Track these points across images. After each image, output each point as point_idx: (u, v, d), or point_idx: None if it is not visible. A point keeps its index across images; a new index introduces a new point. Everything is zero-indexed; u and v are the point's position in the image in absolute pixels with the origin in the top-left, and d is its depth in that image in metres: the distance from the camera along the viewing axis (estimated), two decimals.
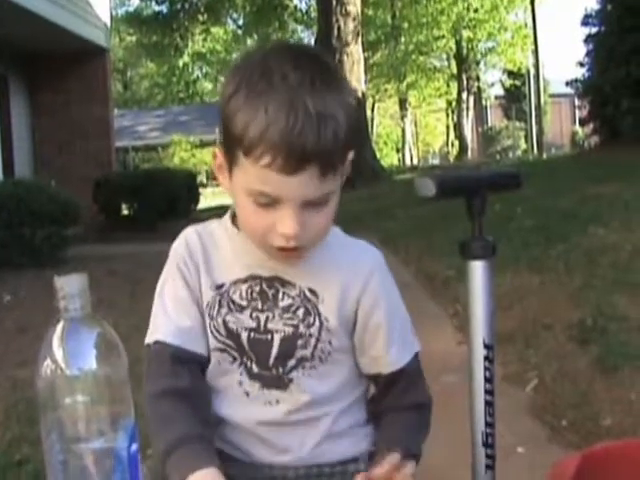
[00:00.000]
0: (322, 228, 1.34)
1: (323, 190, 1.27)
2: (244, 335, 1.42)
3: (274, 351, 1.41)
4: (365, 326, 1.44)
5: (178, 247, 1.48)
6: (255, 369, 1.42)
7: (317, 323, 1.40)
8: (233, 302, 1.42)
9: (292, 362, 1.41)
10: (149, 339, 1.43)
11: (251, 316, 1.41)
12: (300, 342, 1.40)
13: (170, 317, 1.43)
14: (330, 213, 1.33)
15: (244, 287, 1.42)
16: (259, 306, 1.41)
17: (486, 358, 1.58)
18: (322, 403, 1.44)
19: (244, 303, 1.42)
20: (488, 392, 1.59)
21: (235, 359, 1.43)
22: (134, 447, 1.03)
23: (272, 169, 1.22)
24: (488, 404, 1.59)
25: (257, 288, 1.42)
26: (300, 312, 1.40)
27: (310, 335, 1.40)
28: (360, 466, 1.47)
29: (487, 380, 1.59)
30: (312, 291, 1.41)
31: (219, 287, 1.43)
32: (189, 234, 1.49)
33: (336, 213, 1.36)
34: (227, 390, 1.45)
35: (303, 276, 1.41)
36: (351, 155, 1.34)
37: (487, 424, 1.59)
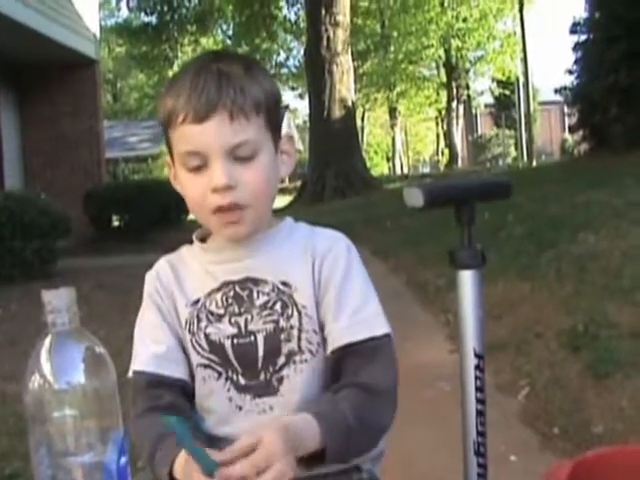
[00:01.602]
0: (255, 185, 1.38)
1: (239, 136, 1.35)
2: (227, 344, 1.42)
3: (260, 352, 1.41)
4: (323, 302, 1.42)
5: (149, 277, 1.52)
6: (242, 381, 1.42)
7: (295, 313, 1.41)
8: (211, 313, 1.43)
9: (282, 359, 1.41)
10: (130, 371, 1.46)
11: (230, 322, 1.42)
12: (283, 336, 1.40)
13: (145, 345, 1.46)
14: (260, 170, 1.38)
15: (218, 296, 1.44)
16: (236, 310, 1.42)
17: (477, 367, 1.59)
18: None
19: (221, 311, 1.43)
20: (479, 401, 1.59)
21: (220, 374, 1.43)
22: (123, 460, 1.03)
23: (187, 123, 1.35)
24: (479, 413, 1.59)
25: (231, 293, 1.43)
26: (278, 306, 1.41)
27: (292, 327, 1.41)
28: (363, 475, 1.47)
29: (478, 389, 1.59)
30: (284, 283, 1.42)
31: (195, 303, 1.45)
32: (159, 263, 1.53)
33: (273, 181, 1.43)
34: (219, 408, 1.44)
35: (273, 271, 1.43)
36: (272, 124, 1.42)
37: (479, 433, 1.59)
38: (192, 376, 1.46)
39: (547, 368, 4.09)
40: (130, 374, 1.46)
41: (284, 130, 1.49)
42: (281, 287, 1.42)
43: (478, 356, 1.59)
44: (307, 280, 1.43)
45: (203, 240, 1.52)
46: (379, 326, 1.41)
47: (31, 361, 0.98)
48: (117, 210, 14.66)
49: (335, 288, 1.42)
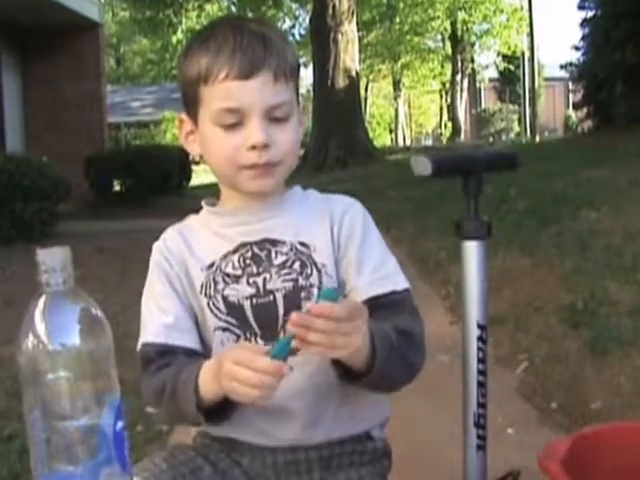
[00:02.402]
0: (288, 146, 1.40)
1: (279, 97, 1.37)
2: (247, 304, 1.41)
3: (281, 311, 1.40)
4: (343, 260, 1.44)
5: (156, 247, 1.51)
6: (261, 342, 1.40)
7: (315, 272, 1.41)
8: (228, 275, 1.42)
9: None
10: (138, 344, 1.45)
11: (248, 282, 1.41)
12: (303, 294, 1.40)
13: (153, 316, 1.45)
14: (293, 132, 1.42)
15: (235, 257, 1.43)
16: (254, 270, 1.42)
17: (479, 338, 1.58)
18: None
19: (239, 272, 1.42)
20: (481, 372, 1.58)
21: (239, 337, 1.41)
22: (120, 424, 1.01)
23: (230, 78, 1.35)
24: (480, 385, 1.58)
25: (249, 254, 1.43)
26: (296, 265, 1.41)
27: (311, 285, 1.40)
28: (377, 444, 1.49)
29: (480, 360, 1.58)
30: (303, 244, 1.43)
31: (210, 266, 1.44)
32: (168, 232, 1.53)
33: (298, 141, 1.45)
34: None
35: (291, 231, 1.44)
36: (296, 93, 1.45)
37: (479, 405, 1.58)
38: (204, 343, 1.45)
39: (546, 343, 4.09)
40: (139, 346, 1.44)
41: None
42: (299, 247, 1.43)
43: (481, 327, 1.58)
44: (326, 240, 1.44)
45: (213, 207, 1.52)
46: (400, 281, 1.44)
47: (25, 321, 0.96)
48: (118, 175, 14.62)
49: (355, 246, 1.43)
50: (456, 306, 4.86)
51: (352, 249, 1.43)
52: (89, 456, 0.98)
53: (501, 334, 4.29)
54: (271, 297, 1.40)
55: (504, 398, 3.45)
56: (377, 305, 1.39)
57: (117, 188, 15.10)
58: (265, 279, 1.41)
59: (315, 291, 1.40)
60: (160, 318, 1.43)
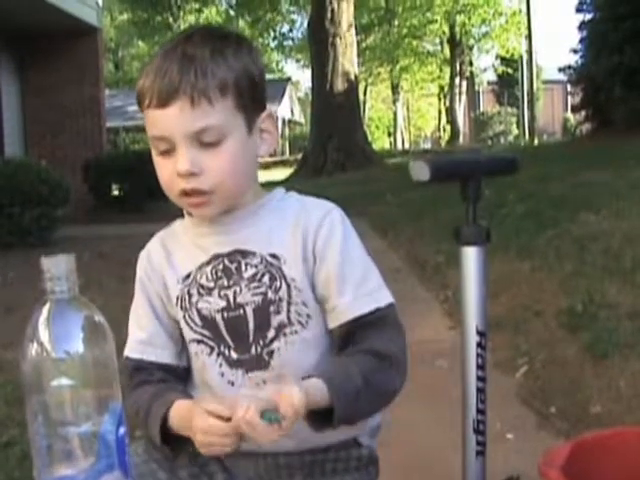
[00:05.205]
0: (220, 172, 1.36)
1: (201, 122, 1.32)
2: (219, 318, 1.41)
3: (251, 325, 1.40)
4: (319, 274, 1.41)
5: (141, 258, 1.53)
6: (234, 355, 1.41)
7: (284, 286, 1.39)
8: (202, 286, 1.43)
9: (271, 332, 1.39)
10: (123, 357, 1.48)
11: (220, 295, 1.41)
12: (272, 308, 1.39)
13: (132, 331, 1.48)
14: (227, 156, 1.36)
15: (208, 269, 1.43)
16: (225, 283, 1.41)
17: (478, 345, 1.57)
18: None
19: (211, 284, 1.42)
20: (480, 379, 1.58)
21: (212, 349, 1.42)
22: (122, 431, 1.01)
23: (151, 107, 1.34)
24: (480, 391, 1.58)
25: (220, 266, 1.42)
26: (265, 278, 1.40)
27: (280, 299, 1.39)
28: (362, 451, 1.48)
29: (479, 367, 1.58)
30: (273, 255, 1.41)
31: (186, 278, 1.45)
32: (151, 241, 1.54)
33: (249, 164, 1.41)
34: (212, 384, 1.44)
35: (261, 243, 1.42)
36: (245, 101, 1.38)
37: (478, 411, 1.58)
38: (180, 356, 1.47)
39: (545, 347, 4.08)
40: (123, 359, 1.46)
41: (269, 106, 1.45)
42: (269, 259, 1.40)
43: (480, 333, 1.58)
44: (297, 252, 1.41)
45: None
46: (383, 297, 1.41)
47: (29, 329, 0.97)
48: (117, 179, 14.58)
49: (334, 260, 1.40)
50: (454, 310, 4.86)
51: (330, 263, 1.40)
52: (91, 462, 0.99)
53: (500, 338, 4.28)
54: (241, 311, 1.40)
55: (503, 403, 3.44)
56: (359, 325, 1.38)
57: (115, 193, 15.07)
58: (235, 292, 1.40)
59: (285, 305, 1.39)
60: (137, 334, 1.47)
